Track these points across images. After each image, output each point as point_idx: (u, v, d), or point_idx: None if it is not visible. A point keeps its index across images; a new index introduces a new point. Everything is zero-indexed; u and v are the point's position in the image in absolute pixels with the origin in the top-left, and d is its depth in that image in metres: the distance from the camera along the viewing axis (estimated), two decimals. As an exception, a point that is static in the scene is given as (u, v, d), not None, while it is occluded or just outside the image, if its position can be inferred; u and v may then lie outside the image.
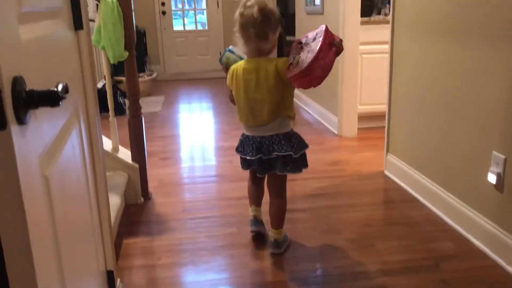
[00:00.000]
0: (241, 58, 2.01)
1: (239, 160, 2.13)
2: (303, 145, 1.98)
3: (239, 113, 2.03)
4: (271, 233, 2.07)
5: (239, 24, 1.89)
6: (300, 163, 1.97)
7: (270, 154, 1.93)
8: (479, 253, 2.02)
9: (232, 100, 2.07)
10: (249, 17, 1.84)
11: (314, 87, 1.82)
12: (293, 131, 1.98)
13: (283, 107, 1.92)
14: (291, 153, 1.91)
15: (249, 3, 1.86)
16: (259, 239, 2.16)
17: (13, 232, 0.68)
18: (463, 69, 2.14)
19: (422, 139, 2.55)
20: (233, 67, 1.99)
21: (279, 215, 2.07)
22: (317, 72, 1.72)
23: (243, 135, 2.07)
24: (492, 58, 1.92)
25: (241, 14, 1.87)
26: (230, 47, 2.08)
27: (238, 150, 2.10)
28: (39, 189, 0.79)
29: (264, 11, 1.84)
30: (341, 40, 1.78)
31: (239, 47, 1.98)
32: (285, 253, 2.05)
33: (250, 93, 1.92)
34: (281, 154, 1.91)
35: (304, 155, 1.99)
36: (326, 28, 1.76)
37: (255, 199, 2.23)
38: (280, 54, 1.96)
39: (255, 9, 1.83)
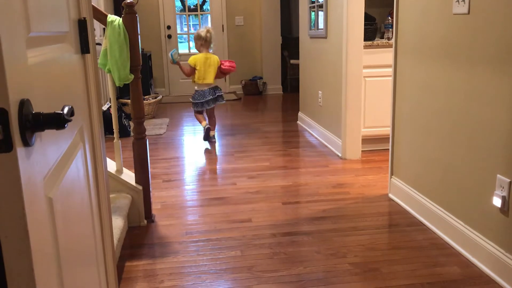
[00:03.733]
0: (178, 56, 4.38)
1: (193, 105, 4.56)
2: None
3: (199, 78, 4.42)
4: (211, 132, 4.51)
5: (204, 40, 4.46)
6: (223, 98, 4.56)
7: (214, 96, 4.46)
8: (485, 277, 1.99)
9: (189, 74, 4.50)
10: (210, 37, 4.49)
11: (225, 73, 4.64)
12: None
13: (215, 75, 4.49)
14: (222, 93, 4.56)
15: (208, 30, 4.51)
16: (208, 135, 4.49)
17: (16, 253, 0.68)
18: (467, 92, 2.15)
19: (427, 162, 2.54)
20: (193, 58, 4.44)
21: (214, 124, 4.65)
22: (227, 69, 4.54)
23: (196, 92, 4.48)
24: (496, 81, 1.94)
25: (206, 36, 4.47)
26: (175, 50, 4.40)
27: (194, 98, 4.50)
28: (43, 211, 0.79)
29: (212, 33, 4.56)
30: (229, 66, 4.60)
31: (178, 50, 5.21)
32: (287, 271, 2.03)
33: (207, 67, 4.41)
34: (219, 94, 4.50)
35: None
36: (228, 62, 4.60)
37: (203, 119, 4.58)
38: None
39: (210, 33, 4.51)
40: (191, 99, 4.54)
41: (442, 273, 2.04)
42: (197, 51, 4.58)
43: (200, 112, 4.56)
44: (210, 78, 4.42)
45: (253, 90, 7.55)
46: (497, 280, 1.95)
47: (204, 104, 4.43)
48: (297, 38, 5.30)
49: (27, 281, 0.69)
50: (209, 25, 7.68)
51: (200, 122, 4.60)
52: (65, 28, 1.12)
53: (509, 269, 1.89)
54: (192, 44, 7.82)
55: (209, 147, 4.42)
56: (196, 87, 4.49)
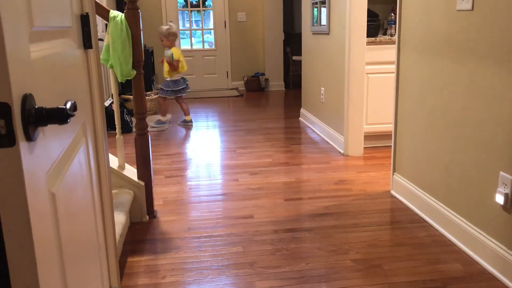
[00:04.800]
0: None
1: (161, 92, 5.09)
2: None
3: (182, 67, 5.01)
4: (186, 117, 5.15)
5: (173, 36, 4.95)
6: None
7: (182, 86, 5.07)
8: (487, 275, 1.99)
9: (177, 68, 4.97)
10: (176, 32, 5.06)
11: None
12: None
13: None
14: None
15: (173, 26, 4.99)
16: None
17: (19, 247, 0.68)
18: (470, 89, 2.14)
19: (429, 159, 2.54)
20: (176, 53, 4.92)
21: (187, 109, 5.15)
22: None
23: (172, 81, 5.01)
24: (499, 78, 1.93)
25: (175, 32, 4.98)
26: (169, 50, 4.99)
27: (174, 86, 5.01)
28: (45, 205, 0.79)
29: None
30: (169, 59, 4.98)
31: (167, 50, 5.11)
32: (289, 268, 2.03)
33: (182, 58, 5.03)
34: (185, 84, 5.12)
35: None
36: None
37: (167, 111, 5.24)
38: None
39: (176, 29, 5.18)
40: (163, 87, 5.05)
41: (444, 270, 2.04)
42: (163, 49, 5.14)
43: (166, 100, 5.18)
44: (185, 66, 5.19)
45: (255, 87, 7.54)
46: (499, 278, 1.95)
47: (179, 91, 5.08)
48: (300, 34, 5.29)
49: (29, 275, 0.69)
50: (211, 21, 7.68)
51: (165, 114, 5.16)
52: (67, 23, 1.12)
53: (511, 266, 1.88)
54: (194, 40, 7.82)
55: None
56: (176, 77, 5.05)
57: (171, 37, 4.95)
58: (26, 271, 0.69)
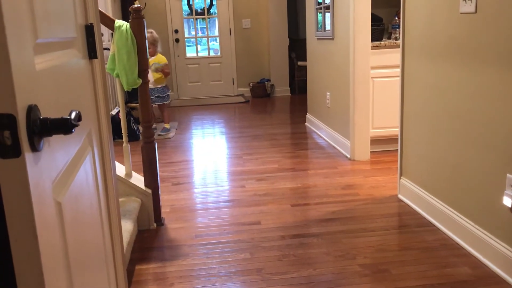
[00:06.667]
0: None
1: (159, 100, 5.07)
2: None
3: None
4: (165, 125, 5.05)
5: (158, 42, 4.93)
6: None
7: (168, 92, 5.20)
8: (496, 278, 1.97)
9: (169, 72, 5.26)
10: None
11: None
12: None
13: None
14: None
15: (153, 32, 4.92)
16: None
17: (26, 257, 0.69)
18: (475, 91, 2.13)
19: (436, 162, 2.53)
20: (163, 57, 5.08)
21: (167, 116, 5.13)
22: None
23: (160, 88, 4.98)
24: (505, 80, 1.92)
25: (158, 39, 4.93)
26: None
27: (161, 95, 4.98)
28: (52, 215, 0.80)
29: None
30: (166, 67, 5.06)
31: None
32: (297, 273, 2.03)
33: None
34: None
35: None
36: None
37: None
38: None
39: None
40: (161, 95, 5.01)
41: (452, 274, 2.02)
42: (151, 56, 4.84)
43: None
44: None
45: (261, 93, 7.56)
46: (508, 280, 1.93)
47: (166, 97, 5.16)
48: (304, 40, 5.30)
49: (36, 284, 0.70)
50: (216, 28, 7.72)
51: (168, 120, 5.18)
52: (72, 33, 1.13)
53: (520, 269, 1.87)
54: (199, 47, 7.87)
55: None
56: (164, 83, 5.07)
57: (156, 43, 4.88)
58: (33, 280, 0.70)
